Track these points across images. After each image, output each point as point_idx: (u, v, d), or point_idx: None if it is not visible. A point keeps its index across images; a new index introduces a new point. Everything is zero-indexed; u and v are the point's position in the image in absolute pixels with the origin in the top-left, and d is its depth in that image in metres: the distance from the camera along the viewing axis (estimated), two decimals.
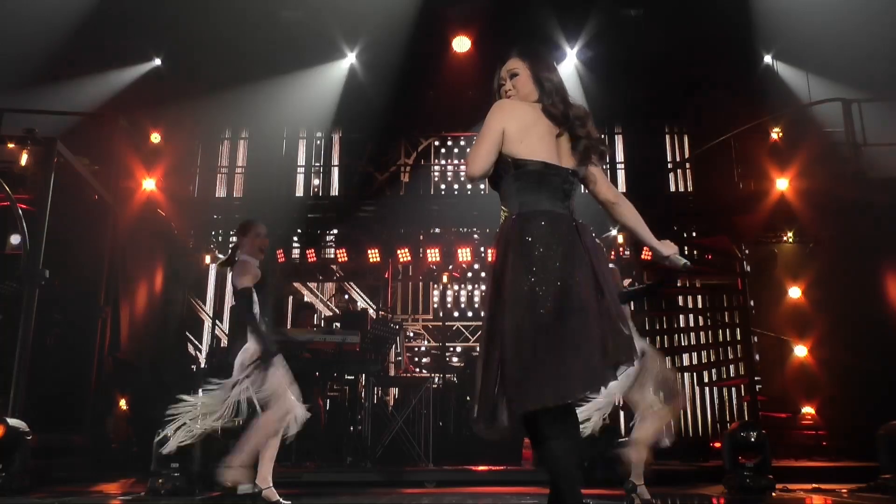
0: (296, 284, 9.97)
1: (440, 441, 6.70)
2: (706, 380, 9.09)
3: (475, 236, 9.50)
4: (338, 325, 7.69)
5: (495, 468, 6.23)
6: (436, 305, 10.20)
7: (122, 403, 7.19)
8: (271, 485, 3.95)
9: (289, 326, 8.52)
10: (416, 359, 9.99)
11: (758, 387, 8.16)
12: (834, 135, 7.82)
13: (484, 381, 2.21)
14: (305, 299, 9.80)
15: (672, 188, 10.23)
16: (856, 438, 6.51)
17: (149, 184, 8.07)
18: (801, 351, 7.90)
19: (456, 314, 10.24)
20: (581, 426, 4.07)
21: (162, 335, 8.52)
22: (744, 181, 9.48)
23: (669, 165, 10.27)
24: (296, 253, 9.55)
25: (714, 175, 9.60)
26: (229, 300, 9.68)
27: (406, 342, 9.86)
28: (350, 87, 9.47)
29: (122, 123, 7.35)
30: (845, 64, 7.85)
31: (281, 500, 3.94)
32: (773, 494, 4.71)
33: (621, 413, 7.44)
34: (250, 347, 3.93)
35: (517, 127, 2.31)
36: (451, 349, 9.90)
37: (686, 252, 7.71)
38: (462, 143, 10.55)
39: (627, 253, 8.70)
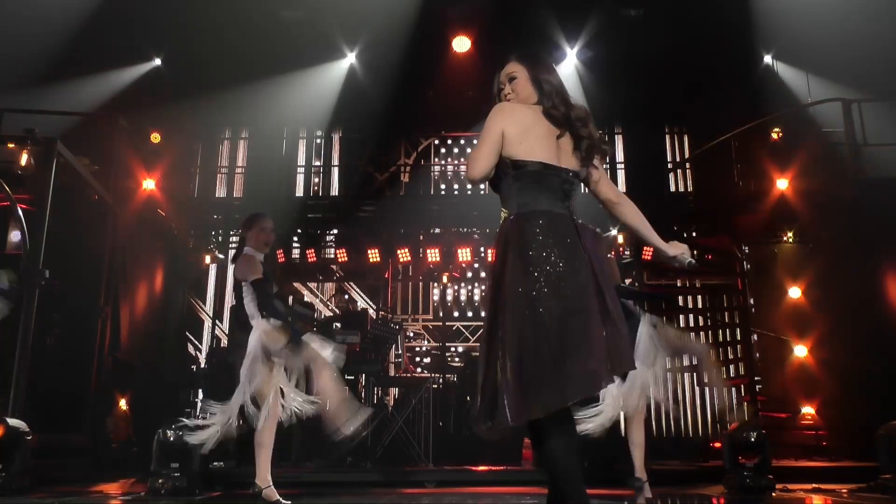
0: (296, 284, 9.97)
1: (440, 441, 6.70)
2: (706, 380, 9.09)
3: (475, 236, 9.50)
4: (338, 325, 7.69)
5: (495, 468, 6.23)
6: (436, 305, 10.20)
7: (122, 403, 7.20)
8: (271, 484, 3.95)
9: None
10: (416, 359, 9.99)
11: (758, 387, 8.17)
12: (834, 135, 7.81)
13: (484, 382, 2.21)
14: (305, 299, 9.80)
15: (672, 188, 10.24)
16: (856, 438, 6.51)
17: (149, 184, 8.07)
18: (801, 351, 7.90)
19: (456, 314, 10.24)
20: (594, 422, 4.12)
21: (162, 335, 8.52)
22: (744, 181, 9.48)
23: (669, 165, 10.27)
24: (296, 253, 9.55)
25: (714, 175, 9.60)
26: (229, 300, 9.68)
27: (406, 342, 9.86)
28: (350, 87, 9.47)
29: (122, 123, 7.34)
30: (845, 64, 7.85)
31: (281, 499, 3.94)
32: (773, 494, 4.71)
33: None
34: (255, 341, 3.91)
35: (516, 129, 2.31)
36: (452, 349, 9.90)
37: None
38: (462, 143, 10.55)
39: (627, 253, 8.70)
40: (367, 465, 6.17)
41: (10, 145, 5.82)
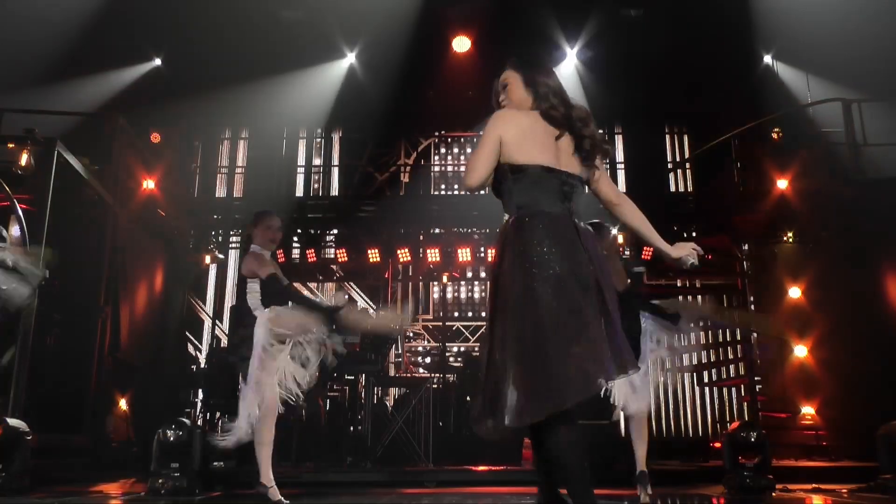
0: (296, 284, 9.95)
1: (440, 441, 6.70)
2: (706, 380, 9.10)
3: (475, 236, 9.50)
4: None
5: (495, 468, 6.23)
6: (436, 305, 10.20)
7: (122, 403, 7.20)
8: (273, 484, 3.94)
9: None
10: (416, 359, 9.99)
11: (758, 387, 8.18)
12: (834, 135, 7.81)
13: (486, 382, 2.22)
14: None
15: (672, 188, 10.24)
16: (856, 438, 6.51)
17: (149, 184, 8.07)
18: (801, 351, 7.90)
19: (456, 314, 10.24)
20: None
21: (162, 335, 8.52)
22: (744, 181, 9.48)
23: (669, 165, 10.27)
24: (296, 253, 9.55)
25: (714, 175, 9.61)
26: (229, 300, 9.68)
27: (406, 342, 9.86)
28: (350, 87, 9.47)
29: (122, 123, 7.34)
30: (845, 64, 7.85)
31: (282, 499, 3.94)
32: (773, 494, 4.71)
33: (621, 414, 7.42)
34: (262, 331, 3.90)
35: (514, 134, 2.32)
36: (451, 349, 9.90)
37: None
38: (462, 143, 10.56)
39: (628, 253, 8.70)
40: (367, 465, 6.17)
41: (10, 145, 5.81)
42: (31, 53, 7.42)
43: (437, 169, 10.64)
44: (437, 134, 10.55)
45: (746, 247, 8.93)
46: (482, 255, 9.21)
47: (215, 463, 5.28)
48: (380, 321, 3.97)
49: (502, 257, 2.29)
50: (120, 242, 7.04)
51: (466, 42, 9.36)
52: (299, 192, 10.25)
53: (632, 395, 4.18)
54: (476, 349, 9.88)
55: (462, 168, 10.59)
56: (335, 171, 10.48)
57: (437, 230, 9.55)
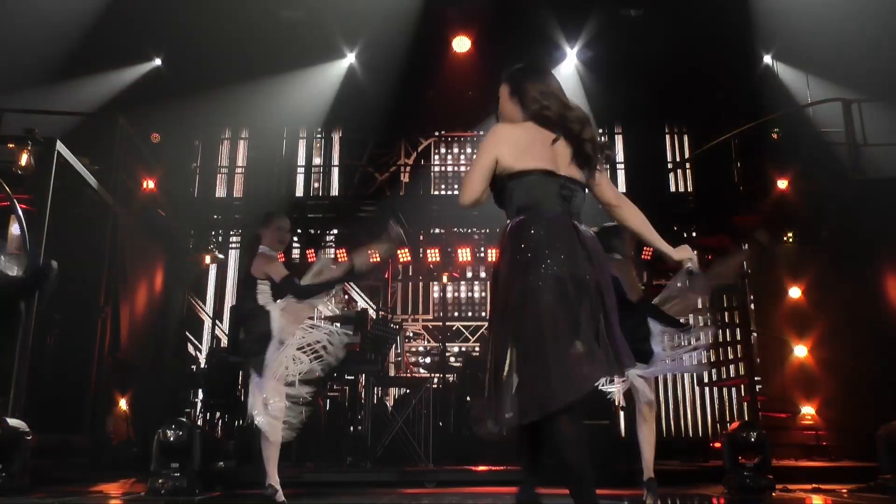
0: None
1: (440, 441, 6.70)
2: (706, 380, 9.10)
3: (475, 236, 9.51)
4: (338, 325, 7.69)
5: (495, 468, 6.23)
6: (436, 305, 10.20)
7: (122, 403, 7.20)
8: (280, 487, 3.94)
9: None
10: (416, 359, 10.00)
11: (758, 387, 8.17)
12: (833, 135, 7.81)
13: (488, 382, 2.24)
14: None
15: (672, 188, 10.24)
16: (856, 438, 6.51)
17: (149, 184, 8.07)
18: (801, 351, 7.90)
19: (456, 314, 10.24)
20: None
21: (162, 335, 8.52)
22: (744, 181, 9.48)
23: (669, 165, 10.27)
24: (296, 253, 9.56)
25: (714, 175, 9.61)
26: (229, 300, 9.69)
27: (406, 342, 9.86)
28: (350, 87, 9.47)
29: (122, 123, 7.34)
30: (845, 64, 7.85)
31: (283, 500, 3.94)
32: (773, 494, 4.71)
33: (621, 413, 7.43)
34: (277, 324, 3.91)
35: (509, 150, 2.33)
36: (452, 349, 9.90)
37: None
38: (462, 143, 10.56)
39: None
40: (367, 465, 6.17)
41: (10, 145, 5.81)
42: (31, 53, 7.42)
43: (437, 169, 10.65)
44: (437, 134, 10.56)
45: (746, 247, 8.93)
46: (482, 255, 9.22)
47: (220, 463, 5.30)
48: (380, 250, 4.02)
49: (502, 258, 2.31)
50: (120, 242, 7.04)
51: (466, 42, 9.35)
52: (299, 192, 10.25)
53: (639, 396, 4.19)
54: (476, 349, 9.88)
55: (462, 168, 10.60)
56: (335, 171, 10.48)
57: (437, 230, 9.55)
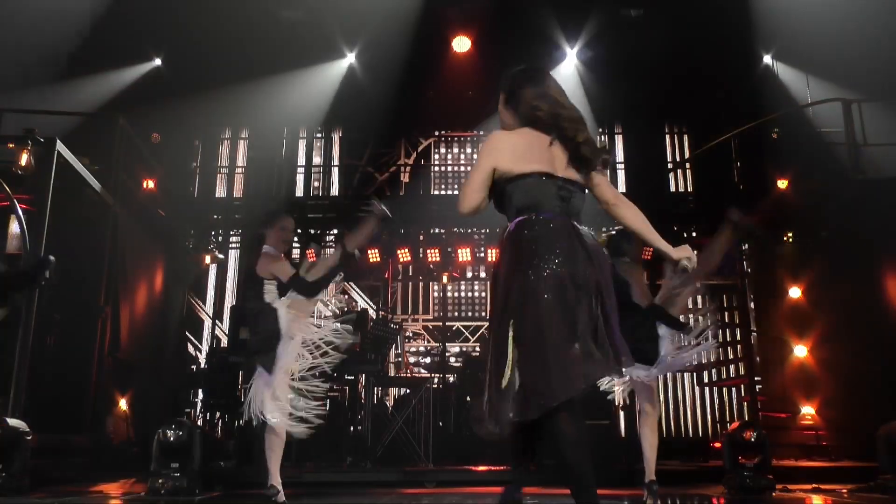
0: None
1: (440, 441, 6.70)
2: (706, 380, 9.10)
3: (475, 236, 9.50)
4: (338, 325, 7.68)
5: (495, 468, 6.23)
6: (436, 305, 10.20)
7: (122, 403, 7.19)
8: (281, 488, 3.94)
9: None
10: (416, 359, 10.00)
11: (758, 387, 8.17)
12: (833, 135, 7.81)
13: (487, 384, 2.25)
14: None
15: (672, 188, 10.24)
16: (856, 438, 6.51)
17: (149, 184, 8.07)
18: (801, 351, 7.90)
19: (456, 314, 10.24)
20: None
21: (162, 335, 8.52)
22: (744, 181, 9.48)
23: (669, 165, 10.27)
24: (296, 253, 9.55)
25: (714, 175, 9.61)
26: (229, 300, 9.69)
27: (406, 342, 9.86)
28: (350, 87, 9.47)
29: (122, 123, 7.34)
30: (845, 64, 7.85)
31: (285, 500, 3.94)
32: (773, 494, 4.71)
33: (621, 413, 7.44)
34: (285, 320, 3.92)
35: (507, 152, 2.36)
36: (452, 349, 9.90)
37: None
38: (462, 143, 10.56)
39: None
40: (367, 465, 6.17)
41: (10, 145, 5.81)
42: (31, 53, 7.42)
43: (436, 169, 10.65)
44: (437, 134, 10.56)
45: (746, 247, 8.93)
46: (482, 255, 9.21)
47: (220, 463, 5.29)
48: (367, 228, 4.07)
49: (502, 258, 2.33)
50: (120, 242, 7.04)
51: (466, 42, 9.35)
52: (299, 192, 10.25)
53: (643, 396, 4.20)
54: (476, 349, 9.88)
55: (462, 168, 10.60)
56: (335, 171, 10.48)
57: (437, 230, 9.55)
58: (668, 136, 10.42)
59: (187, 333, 9.35)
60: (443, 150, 10.81)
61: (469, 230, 9.65)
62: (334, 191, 10.42)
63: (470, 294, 10.42)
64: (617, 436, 6.97)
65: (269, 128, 10.03)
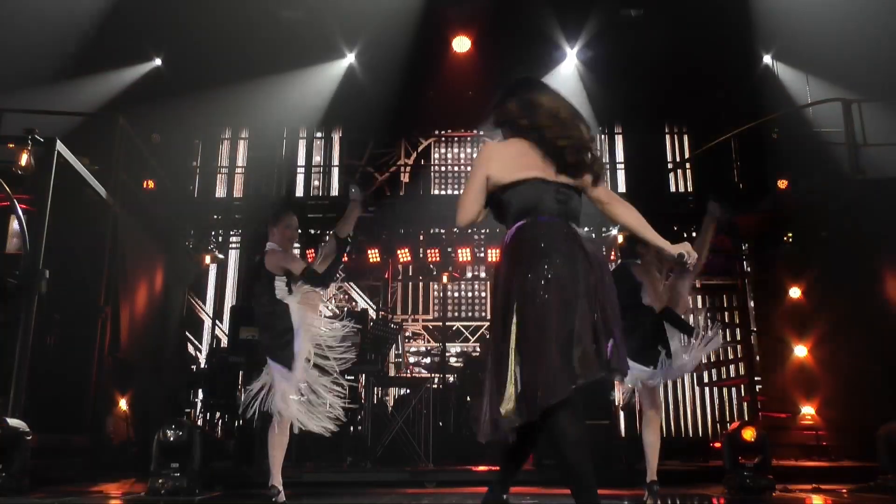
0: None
1: (440, 441, 6.70)
2: (706, 380, 9.10)
3: (475, 236, 9.51)
4: (336, 323, 7.68)
5: (495, 468, 6.20)
6: (436, 305, 10.20)
7: (122, 403, 7.19)
8: (282, 488, 3.94)
9: None
10: (416, 359, 10.00)
11: (758, 387, 8.17)
12: (833, 135, 7.81)
13: (489, 385, 2.27)
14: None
15: (672, 188, 10.24)
16: (856, 438, 6.51)
17: (149, 184, 8.07)
18: (801, 351, 7.90)
19: (456, 314, 10.24)
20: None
21: (162, 335, 8.51)
22: (744, 181, 9.48)
23: (669, 165, 10.28)
24: (295, 253, 9.55)
25: (714, 175, 9.61)
26: (230, 300, 9.69)
27: (406, 342, 9.86)
28: (350, 87, 9.47)
29: (122, 123, 7.34)
30: (845, 64, 7.85)
31: (285, 500, 3.95)
32: (773, 494, 4.71)
33: (621, 413, 7.44)
34: (297, 315, 3.93)
35: (499, 162, 2.39)
36: (452, 349, 9.90)
37: None
38: (462, 143, 10.55)
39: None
40: (367, 465, 6.17)
41: (10, 145, 5.80)
42: (32, 53, 7.42)
43: (436, 169, 10.65)
44: (437, 134, 10.56)
45: (746, 247, 8.93)
46: (482, 255, 9.22)
47: (220, 463, 5.29)
48: (351, 214, 4.14)
49: (503, 261, 2.35)
50: (120, 242, 7.03)
51: (466, 42, 9.35)
52: (299, 192, 10.26)
53: (646, 399, 4.21)
54: (476, 349, 9.88)
55: (462, 167, 10.60)
56: (335, 171, 10.49)
57: (437, 230, 9.56)
58: (668, 136, 10.42)
59: (187, 333, 9.35)
60: (443, 150, 10.81)
61: (469, 230, 9.65)
62: (334, 191, 10.42)
63: (470, 294, 10.42)
64: (617, 436, 6.97)
65: (269, 128, 10.04)
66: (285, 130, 10.27)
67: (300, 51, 9.01)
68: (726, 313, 8.86)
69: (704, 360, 8.28)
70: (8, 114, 6.61)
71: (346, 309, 8.77)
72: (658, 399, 4.29)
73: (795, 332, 7.96)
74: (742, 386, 8.63)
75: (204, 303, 9.78)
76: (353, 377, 6.99)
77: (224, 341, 9.20)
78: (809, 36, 7.95)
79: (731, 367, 8.94)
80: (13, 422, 4.42)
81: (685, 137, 10.36)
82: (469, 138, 10.58)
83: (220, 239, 9.75)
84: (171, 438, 4.51)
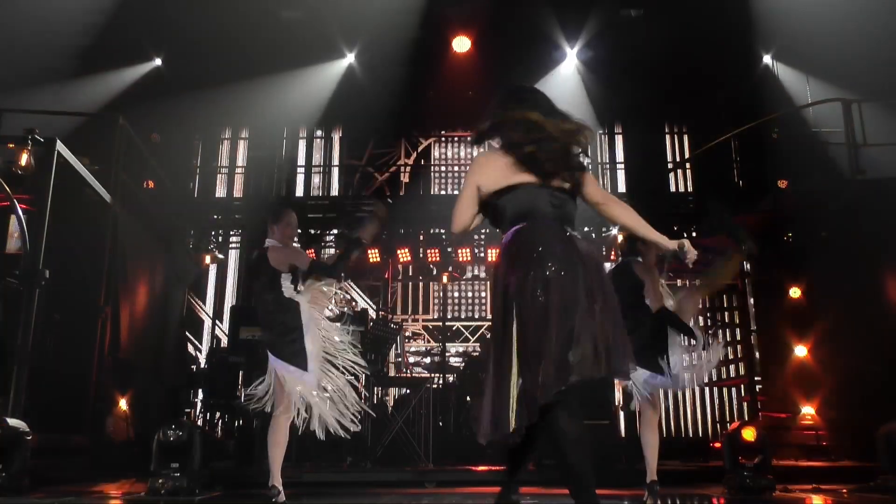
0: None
1: (440, 441, 6.70)
2: (706, 380, 9.09)
3: (475, 236, 9.51)
4: (338, 325, 7.68)
5: (495, 468, 6.22)
6: (436, 305, 10.20)
7: (122, 403, 7.19)
8: (282, 488, 3.94)
9: None
10: (416, 359, 10.00)
11: (758, 387, 8.17)
12: (833, 135, 7.81)
13: (490, 387, 2.27)
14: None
15: (672, 188, 10.24)
16: (856, 438, 6.51)
17: (149, 184, 8.06)
18: (801, 351, 7.90)
19: (456, 314, 10.24)
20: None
21: (162, 335, 8.51)
22: (744, 181, 9.47)
23: (669, 165, 10.28)
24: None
25: (714, 175, 9.60)
26: (229, 300, 9.69)
27: (406, 342, 9.86)
28: (350, 87, 9.47)
29: (122, 123, 7.34)
30: (845, 64, 7.85)
31: (285, 500, 3.95)
32: (774, 494, 4.71)
33: (621, 413, 7.43)
34: (307, 311, 3.94)
35: (491, 170, 2.42)
36: (452, 349, 9.89)
37: None
38: (462, 143, 10.55)
39: None
40: (367, 465, 6.17)
41: (10, 145, 5.80)
42: (32, 53, 7.42)
43: (436, 169, 10.65)
44: (437, 133, 10.56)
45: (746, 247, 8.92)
46: (482, 255, 9.22)
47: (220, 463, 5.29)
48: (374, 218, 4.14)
49: (502, 263, 2.37)
50: (120, 242, 7.03)
51: (466, 42, 9.35)
52: (299, 191, 10.26)
53: (644, 401, 4.21)
54: (476, 349, 9.88)
55: (462, 168, 10.60)
56: (335, 171, 10.49)
57: (437, 230, 9.56)
58: (668, 136, 10.42)
59: (187, 333, 9.35)
60: (443, 150, 10.81)
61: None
62: (334, 191, 10.42)
63: (470, 294, 10.42)
64: (617, 436, 6.96)
65: (269, 127, 10.04)
66: (285, 130, 10.28)
67: (300, 51, 9.01)
68: (726, 313, 8.85)
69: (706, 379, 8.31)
70: (8, 114, 6.61)
71: (345, 311, 8.78)
72: (656, 400, 4.29)
73: (795, 332, 7.96)
74: (742, 386, 8.63)
75: (204, 303, 9.78)
76: (353, 377, 7.00)
77: (224, 341, 9.20)
78: (809, 36, 7.95)
79: (731, 367, 8.94)
80: (13, 422, 4.42)
81: (685, 137, 10.36)
82: (469, 138, 10.57)
83: (220, 239, 9.76)
84: (171, 438, 4.51)
